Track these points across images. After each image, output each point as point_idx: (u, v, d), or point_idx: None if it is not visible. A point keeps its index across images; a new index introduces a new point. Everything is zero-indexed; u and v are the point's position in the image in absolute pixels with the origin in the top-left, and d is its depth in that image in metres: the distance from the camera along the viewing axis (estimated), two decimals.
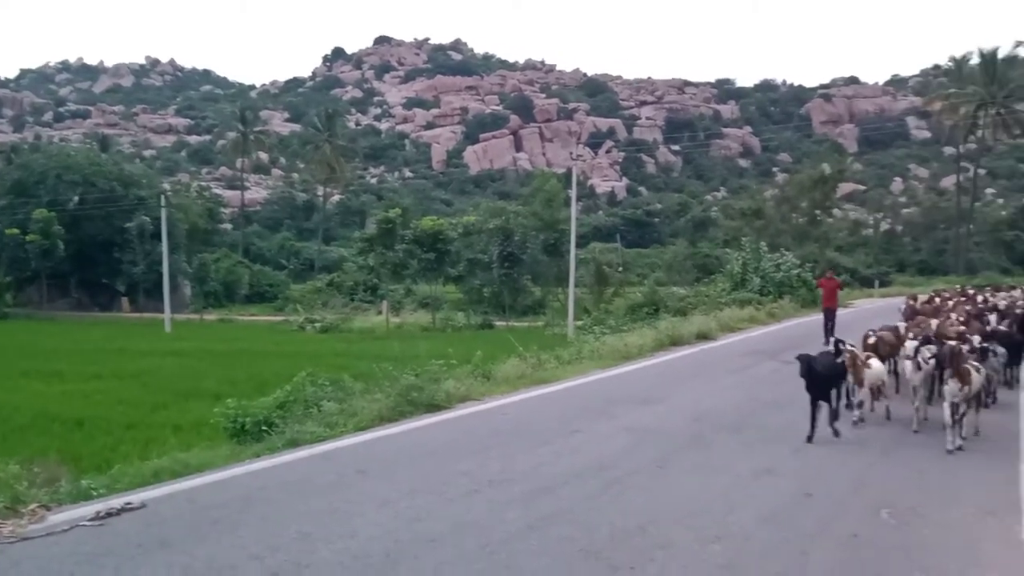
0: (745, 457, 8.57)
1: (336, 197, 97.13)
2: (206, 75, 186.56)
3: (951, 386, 8.84)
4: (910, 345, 10.23)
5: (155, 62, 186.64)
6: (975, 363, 9.45)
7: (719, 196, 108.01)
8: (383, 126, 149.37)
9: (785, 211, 54.67)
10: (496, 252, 46.28)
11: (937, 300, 20.30)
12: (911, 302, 19.87)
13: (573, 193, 38.26)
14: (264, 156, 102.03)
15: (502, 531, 6.08)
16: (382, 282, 49.78)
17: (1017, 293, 22.63)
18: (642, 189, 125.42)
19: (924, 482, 7.73)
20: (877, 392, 10.53)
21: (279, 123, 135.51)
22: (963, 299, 20.31)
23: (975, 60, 63.11)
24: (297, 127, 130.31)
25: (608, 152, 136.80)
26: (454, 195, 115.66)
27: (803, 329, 21.85)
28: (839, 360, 10.08)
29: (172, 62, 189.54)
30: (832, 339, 11.27)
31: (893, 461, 8.59)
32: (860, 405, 10.43)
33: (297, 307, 50.43)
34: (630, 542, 5.91)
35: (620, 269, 52.62)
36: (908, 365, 10.26)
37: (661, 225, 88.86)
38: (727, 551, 5.76)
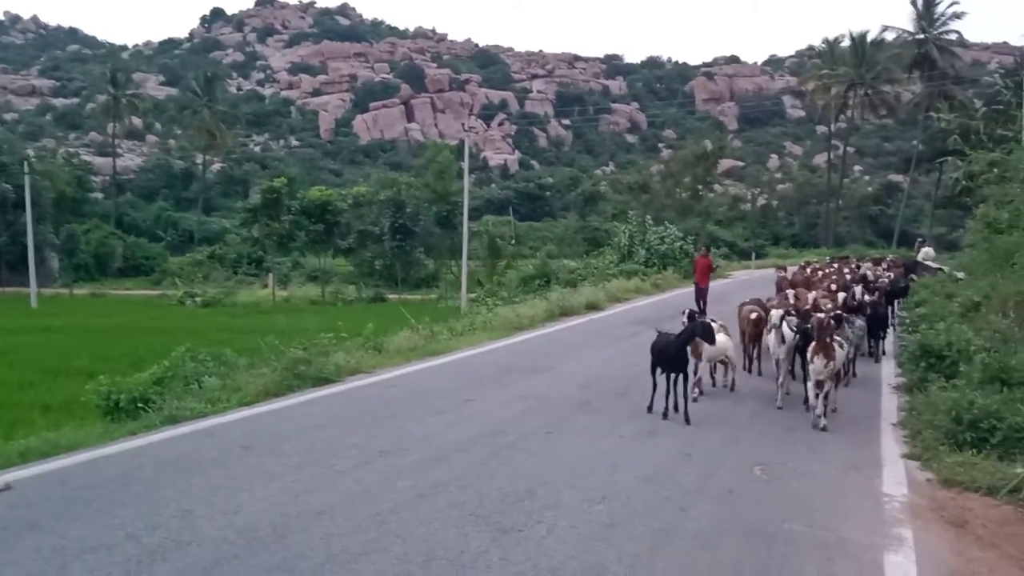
0: (630, 421, 8.87)
1: (217, 165, 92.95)
2: (73, 34, 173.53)
3: (816, 364, 8.63)
4: (775, 314, 9.95)
5: (15, 18, 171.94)
6: (838, 338, 9.27)
7: (608, 171, 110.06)
8: (267, 92, 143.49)
9: (669, 186, 56.34)
10: (388, 224, 45.71)
11: (808, 271, 21.41)
12: (782, 273, 20.86)
13: (466, 165, 38.10)
14: (138, 121, 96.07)
15: (393, 500, 6.07)
16: (267, 254, 48.26)
17: (884, 266, 24.11)
18: (534, 163, 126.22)
19: (793, 440, 8.23)
20: (724, 365, 10.63)
21: (154, 86, 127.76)
22: (832, 270, 21.49)
23: (846, 42, 66.51)
24: (174, 91, 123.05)
25: (500, 125, 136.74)
26: (343, 165, 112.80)
27: (685, 299, 22.57)
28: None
29: (35, 19, 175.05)
30: (688, 311, 10.59)
31: (765, 421, 9.09)
32: (699, 381, 10.24)
33: (176, 281, 48.30)
34: (519, 505, 6.03)
35: (513, 242, 53.02)
36: (771, 338, 10.01)
37: (553, 199, 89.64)
38: (612, 510, 5.98)
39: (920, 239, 32.35)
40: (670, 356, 8.92)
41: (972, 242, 23.32)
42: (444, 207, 46.32)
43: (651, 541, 5.39)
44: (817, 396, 8.83)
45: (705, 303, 19.26)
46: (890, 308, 16.67)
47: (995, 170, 12.70)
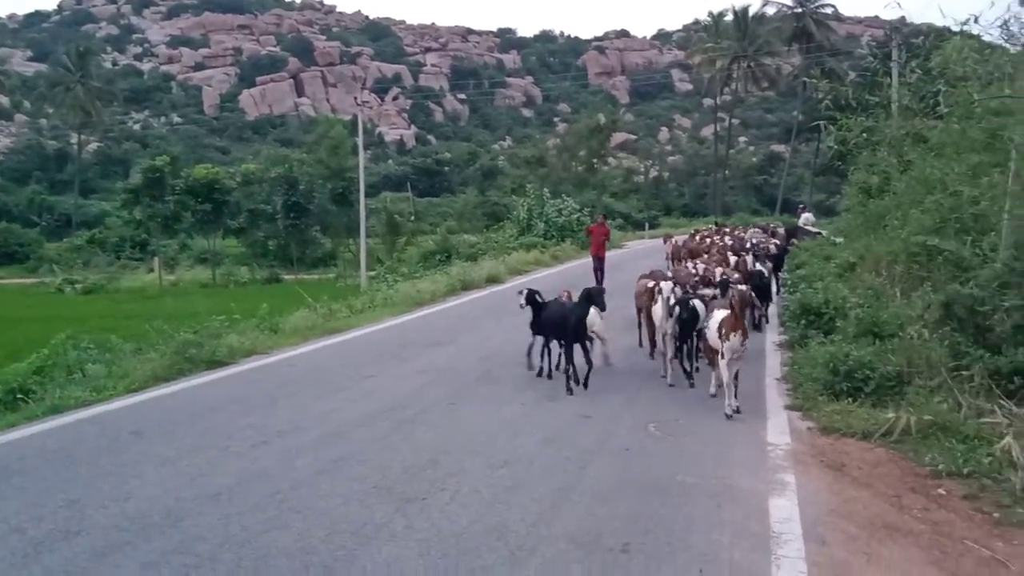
0: (529, 389, 9.02)
1: (93, 145, 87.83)
2: None
3: (732, 342, 7.73)
4: (666, 287, 9.33)
5: None
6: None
7: (505, 145, 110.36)
8: (145, 66, 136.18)
9: (566, 159, 56.96)
10: (280, 202, 44.36)
11: (697, 239, 22.11)
12: (672, 242, 21.40)
13: (360, 140, 37.28)
14: (4, 99, 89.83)
15: (292, 478, 5.99)
16: (152, 237, 45.97)
17: (769, 232, 25.13)
18: (431, 138, 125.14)
19: (685, 399, 8.56)
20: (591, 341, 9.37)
21: (21, 62, 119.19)
22: (719, 237, 22.27)
23: (730, 17, 68.70)
24: (43, 67, 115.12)
25: (395, 99, 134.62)
26: (231, 142, 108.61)
27: (583, 269, 23.11)
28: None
29: None
30: (526, 290, 9.67)
31: (659, 385, 9.35)
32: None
33: (54, 268, 45.49)
34: (422, 475, 6.07)
35: (412, 218, 52.42)
36: (658, 310, 9.37)
37: (451, 174, 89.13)
38: (514, 473, 6.09)
39: (801, 205, 33.99)
40: (571, 327, 8.82)
41: (848, 207, 24.72)
42: (339, 184, 45.28)
43: (551, 500, 5.53)
44: (727, 381, 7.86)
45: (603, 274, 19.36)
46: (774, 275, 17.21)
47: (864, 135, 13.45)
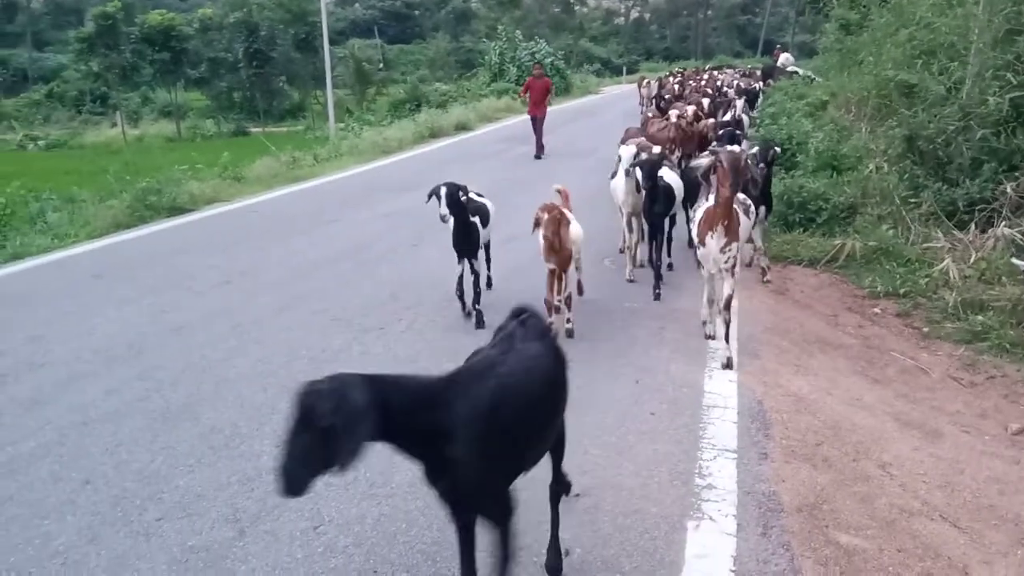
0: (495, 230, 9.06)
1: None
2: None
3: (710, 246, 4.99)
4: (625, 152, 6.74)
5: None
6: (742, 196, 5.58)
7: None
8: None
9: (542, 0, 54.68)
10: (241, 50, 42.50)
11: (671, 80, 21.62)
12: (648, 83, 20.76)
13: None
14: None
15: (254, 314, 6.14)
16: (112, 90, 44.30)
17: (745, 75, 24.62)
18: None
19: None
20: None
21: None
22: (696, 80, 21.75)
23: None
24: None
25: None
26: None
27: (553, 116, 22.73)
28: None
29: None
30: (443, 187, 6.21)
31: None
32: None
33: (13, 124, 43.98)
34: (381, 308, 6.24)
35: (381, 67, 50.64)
36: (620, 184, 6.96)
37: (422, 18, 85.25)
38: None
39: (779, 46, 33.10)
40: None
41: (826, 45, 24.14)
42: (302, 29, 43.27)
43: None
44: (714, 305, 5.46)
45: (540, 137, 15.72)
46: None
47: None
